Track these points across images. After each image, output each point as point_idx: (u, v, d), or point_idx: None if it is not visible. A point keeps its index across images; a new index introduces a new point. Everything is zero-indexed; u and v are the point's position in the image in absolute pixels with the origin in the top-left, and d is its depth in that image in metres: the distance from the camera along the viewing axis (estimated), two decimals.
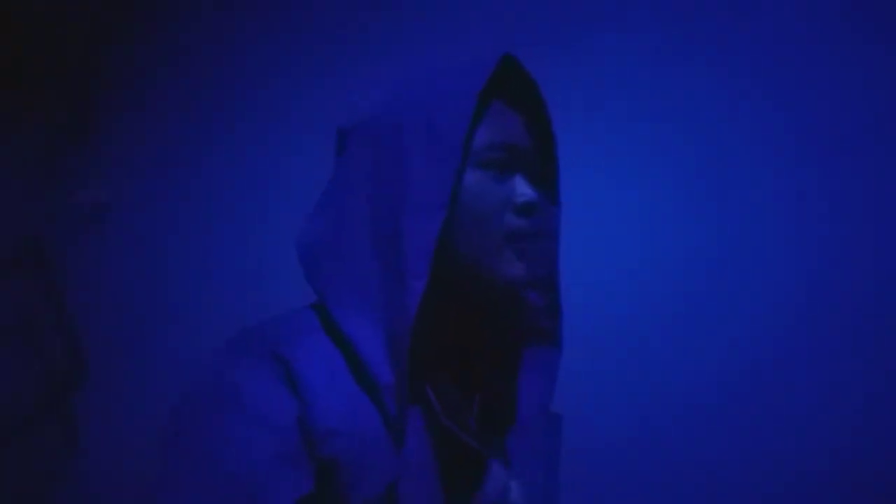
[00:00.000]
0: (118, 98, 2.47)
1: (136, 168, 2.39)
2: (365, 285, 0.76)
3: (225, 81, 2.37)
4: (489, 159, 0.79)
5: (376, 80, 1.77)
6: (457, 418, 0.77)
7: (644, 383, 1.86)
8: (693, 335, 1.81)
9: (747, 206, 1.79)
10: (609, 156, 1.97)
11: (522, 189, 0.79)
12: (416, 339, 0.73)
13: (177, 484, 0.69)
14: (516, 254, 0.78)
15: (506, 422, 0.85)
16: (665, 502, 1.85)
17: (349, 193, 0.80)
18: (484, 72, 0.79)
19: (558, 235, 0.89)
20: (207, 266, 2.27)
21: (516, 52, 0.87)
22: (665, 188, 1.91)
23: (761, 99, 1.79)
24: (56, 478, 2.21)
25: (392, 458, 0.71)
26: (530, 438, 0.86)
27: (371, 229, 0.77)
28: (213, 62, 2.39)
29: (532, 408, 0.88)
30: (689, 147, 1.88)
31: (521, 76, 0.86)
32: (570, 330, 0.94)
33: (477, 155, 0.79)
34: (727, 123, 1.81)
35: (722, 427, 1.83)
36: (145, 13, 2.52)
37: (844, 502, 1.64)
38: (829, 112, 1.71)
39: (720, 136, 1.83)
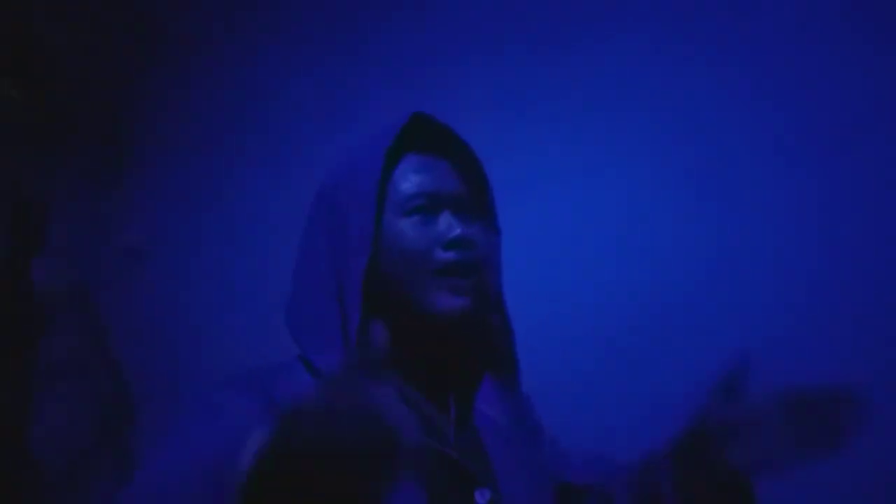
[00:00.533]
0: (150, 143, 2.60)
1: (169, 210, 2.50)
2: (328, 327, 0.88)
3: (257, 124, 2.46)
4: (413, 207, 0.90)
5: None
6: (436, 433, 0.87)
7: (645, 383, 1.82)
8: (694, 334, 1.77)
9: (746, 206, 1.77)
10: (608, 155, 1.98)
11: (448, 227, 0.89)
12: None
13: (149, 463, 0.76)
14: (448, 287, 0.88)
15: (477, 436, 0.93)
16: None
17: (312, 252, 0.94)
18: (391, 132, 0.91)
19: (498, 262, 0.97)
20: (242, 301, 2.35)
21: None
22: (664, 187, 1.90)
23: (759, 98, 1.81)
24: None
25: None
26: (506, 449, 0.93)
27: (328, 279, 0.90)
28: (245, 104, 2.48)
29: (494, 426, 0.95)
30: (688, 146, 1.87)
31: (438, 129, 0.95)
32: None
33: (402, 205, 0.91)
34: (725, 123, 1.84)
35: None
36: (174, 58, 2.63)
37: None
38: (826, 109, 1.70)
39: (719, 134, 1.83)
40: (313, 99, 2.39)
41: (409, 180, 0.92)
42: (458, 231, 0.88)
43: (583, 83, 2.00)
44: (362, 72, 2.30)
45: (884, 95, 1.61)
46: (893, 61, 1.59)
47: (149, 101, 2.60)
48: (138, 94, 2.62)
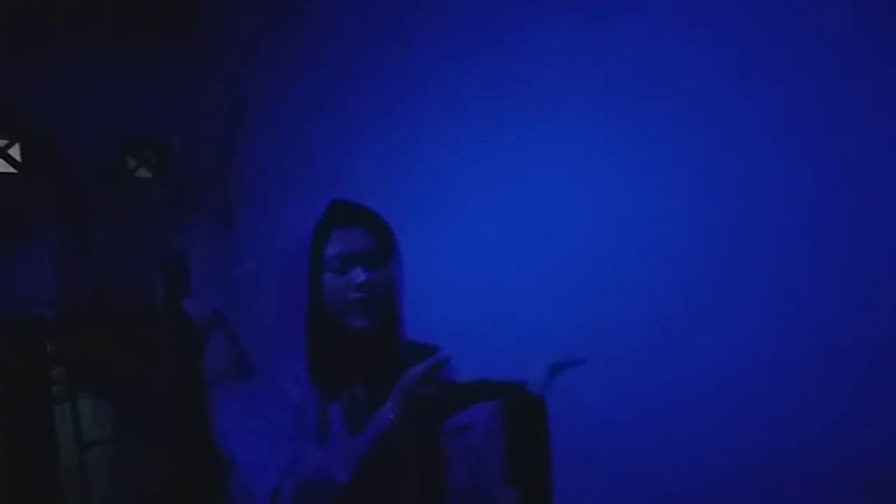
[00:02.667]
0: (248, 196, 3.25)
1: (270, 242, 3.12)
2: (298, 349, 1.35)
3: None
4: (333, 265, 1.35)
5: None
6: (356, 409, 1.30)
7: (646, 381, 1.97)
8: (694, 334, 1.90)
9: (744, 207, 1.85)
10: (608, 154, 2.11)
11: (355, 276, 1.33)
12: (328, 374, 1.30)
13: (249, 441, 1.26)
14: (357, 313, 1.31)
15: None
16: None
17: (283, 299, 1.37)
18: (318, 217, 1.35)
19: (395, 292, 1.38)
20: None
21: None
22: (664, 186, 1.99)
23: (760, 97, 1.83)
24: None
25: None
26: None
27: (293, 316, 1.35)
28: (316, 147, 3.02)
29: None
30: (685, 146, 1.94)
31: (355, 207, 1.39)
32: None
33: (327, 263, 1.35)
34: (727, 119, 1.87)
35: (722, 424, 1.92)
36: (262, 125, 3.27)
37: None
38: (823, 108, 1.73)
39: (716, 134, 1.90)
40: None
41: (330, 247, 1.36)
42: (361, 278, 1.30)
43: (580, 81, 2.15)
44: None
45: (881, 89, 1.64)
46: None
47: (243, 164, 3.27)
48: (235, 160, 3.30)
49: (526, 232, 2.31)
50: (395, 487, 1.18)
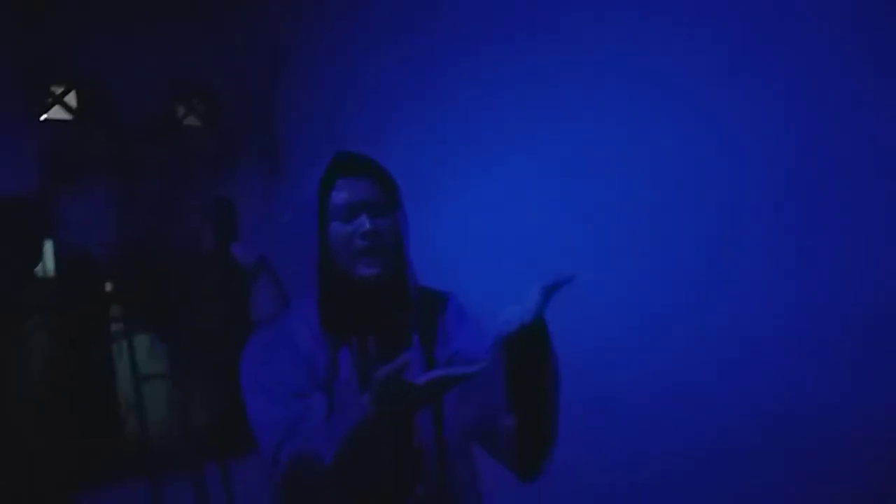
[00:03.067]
0: (294, 145, 3.35)
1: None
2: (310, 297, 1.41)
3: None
4: (340, 213, 1.38)
5: None
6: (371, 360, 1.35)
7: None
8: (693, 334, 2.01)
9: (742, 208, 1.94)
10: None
11: (361, 224, 1.36)
12: (338, 321, 1.36)
13: (256, 396, 1.35)
14: (364, 262, 1.35)
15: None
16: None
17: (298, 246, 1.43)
18: (325, 167, 1.40)
19: (402, 241, 1.41)
20: None
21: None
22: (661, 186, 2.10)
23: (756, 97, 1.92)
24: None
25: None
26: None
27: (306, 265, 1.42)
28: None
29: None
30: (681, 144, 2.05)
31: (360, 158, 1.44)
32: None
33: (334, 212, 1.39)
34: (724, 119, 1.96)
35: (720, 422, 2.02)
36: (307, 71, 3.35)
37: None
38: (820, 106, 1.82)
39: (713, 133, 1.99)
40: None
41: (336, 197, 1.39)
42: (366, 226, 1.33)
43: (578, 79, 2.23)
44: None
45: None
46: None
47: (288, 112, 3.36)
48: (279, 108, 3.40)
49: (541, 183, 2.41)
50: (371, 472, 1.24)
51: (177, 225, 3.34)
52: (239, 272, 3.42)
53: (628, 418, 2.16)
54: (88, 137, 3.21)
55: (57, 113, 3.18)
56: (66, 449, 2.84)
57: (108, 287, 3.22)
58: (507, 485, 1.37)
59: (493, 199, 2.55)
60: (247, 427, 1.36)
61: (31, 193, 3.01)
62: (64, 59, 3.15)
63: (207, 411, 3.24)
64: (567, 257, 2.24)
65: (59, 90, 3.18)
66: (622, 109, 2.15)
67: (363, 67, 3.09)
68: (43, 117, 3.12)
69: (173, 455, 3.14)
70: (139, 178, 3.30)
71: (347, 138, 3.08)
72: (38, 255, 3.05)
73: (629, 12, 2.14)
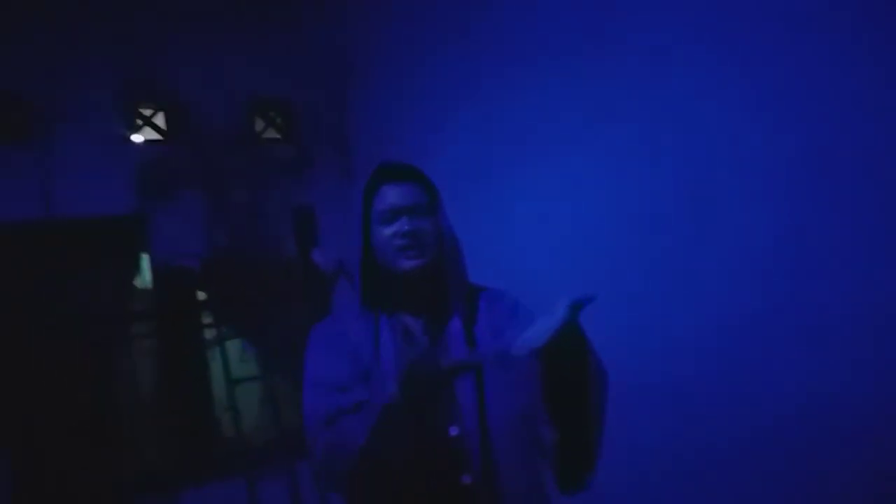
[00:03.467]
0: (367, 158, 3.46)
1: None
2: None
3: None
4: (382, 217, 1.50)
5: None
6: (412, 340, 1.46)
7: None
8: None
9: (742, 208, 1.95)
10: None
11: (401, 226, 1.48)
12: (383, 306, 1.48)
13: (306, 389, 1.48)
14: (406, 256, 1.46)
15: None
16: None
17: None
18: (370, 176, 1.53)
19: (440, 240, 1.50)
20: None
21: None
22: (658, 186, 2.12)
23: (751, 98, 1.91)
24: None
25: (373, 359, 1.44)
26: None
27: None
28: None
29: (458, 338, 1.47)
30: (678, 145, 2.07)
31: (403, 166, 1.55)
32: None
33: (378, 217, 1.51)
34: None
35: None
36: (370, 85, 3.45)
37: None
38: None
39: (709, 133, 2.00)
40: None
41: (380, 202, 1.52)
42: (406, 227, 1.45)
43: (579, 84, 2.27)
44: None
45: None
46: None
47: (359, 121, 3.47)
48: (351, 117, 3.51)
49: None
50: (402, 456, 1.32)
51: (261, 234, 3.50)
52: (320, 276, 3.56)
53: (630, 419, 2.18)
54: (176, 155, 3.40)
55: (147, 133, 3.38)
56: (167, 448, 3.03)
57: (201, 295, 3.41)
58: None
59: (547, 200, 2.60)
60: None
61: (127, 211, 3.22)
62: (150, 80, 3.35)
63: (297, 411, 3.38)
64: (606, 261, 2.28)
65: (148, 112, 3.38)
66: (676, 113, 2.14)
67: (424, 77, 3.17)
68: (135, 138, 3.32)
69: (267, 454, 3.29)
70: (224, 191, 3.47)
71: (411, 144, 3.20)
72: (137, 269, 3.27)
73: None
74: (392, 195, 1.50)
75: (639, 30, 2.16)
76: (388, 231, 1.47)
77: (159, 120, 3.40)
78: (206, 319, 3.40)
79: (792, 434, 1.86)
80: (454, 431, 1.39)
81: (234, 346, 3.41)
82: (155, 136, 3.39)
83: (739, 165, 1.95)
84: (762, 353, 1.93)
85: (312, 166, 3.65)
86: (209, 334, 3.39)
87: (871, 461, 1.72)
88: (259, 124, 3.63)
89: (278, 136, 3.67)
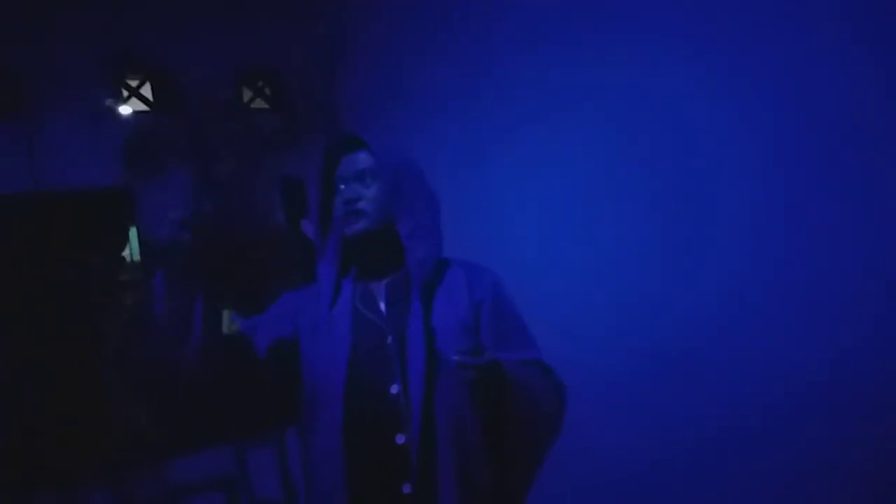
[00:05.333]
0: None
1: None
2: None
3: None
4: (330, 186, 1.62)
5: None
6: (369, 303, 1.57)
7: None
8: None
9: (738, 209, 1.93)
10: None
11: (345, 191, 1.57)
12: (349, 263, 1.61)
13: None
14: (346, 223, 1.55)
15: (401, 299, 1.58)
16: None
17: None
18: (325, 147, 1.63)
19: (386, 206, 1.54)
20: None
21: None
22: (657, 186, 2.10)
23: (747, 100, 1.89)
24: None
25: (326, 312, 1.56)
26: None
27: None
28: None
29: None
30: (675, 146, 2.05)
31: (353, 137, 1.61)
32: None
33: (334, 185, 1.61)
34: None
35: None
36: (362, 59, 3.41)
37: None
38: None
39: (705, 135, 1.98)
40: None
41: (335, 170, 1.60)
42: (346, 195, 1.54)
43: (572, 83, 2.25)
44: None
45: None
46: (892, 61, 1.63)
47: (350, 93, 3.45)
48: (342, 89, 3.49)
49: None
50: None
51: (250, 204, 3.51)
52: (308, 247, 3.58)
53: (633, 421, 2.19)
54: (163, 126, 3.39)
55: (134, 105, 3.37)
56: (155, 416, 3.09)
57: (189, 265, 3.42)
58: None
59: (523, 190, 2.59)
60: None
61: (115, 183, 3.24)
62: (137, 51, 3.32)
63: None
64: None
65: (134, 82, 3.37)
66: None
67: (416, 55, 3.13)
68: (122, 109, 3.32)
69: (255, 422, 3.35)
70: (212, 162, 3.47)
71: (399, 118, 3.18)
72: (125, 241, 3.29)
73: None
74: (343, 164, 1.58)
75: (639, 17, 2.14)
76: (335, 199, 1.58)
77: (146, 90, 3.38)
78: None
79: (794, 429, 1.88)
80: (395, 389, 1.44)
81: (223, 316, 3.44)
82: (142, 107, 3.38)
83: (738, 147, 1.94)
84: (763, 342, 1.94)
85: (301, 137, 3.64)
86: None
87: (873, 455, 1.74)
88: (247, 94, 3.61)
89: (266, 106, 3.66)
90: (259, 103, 3.66)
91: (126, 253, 3.33)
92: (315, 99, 3.65)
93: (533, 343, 1.61)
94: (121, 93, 3.31)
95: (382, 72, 3.32)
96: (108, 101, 3.27)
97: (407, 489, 1.39)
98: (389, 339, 1.49)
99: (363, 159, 1.56)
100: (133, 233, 3.31)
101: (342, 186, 1.56)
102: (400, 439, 1.42)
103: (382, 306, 1.55)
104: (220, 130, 3.50)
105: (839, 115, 1.72)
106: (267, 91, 3.65)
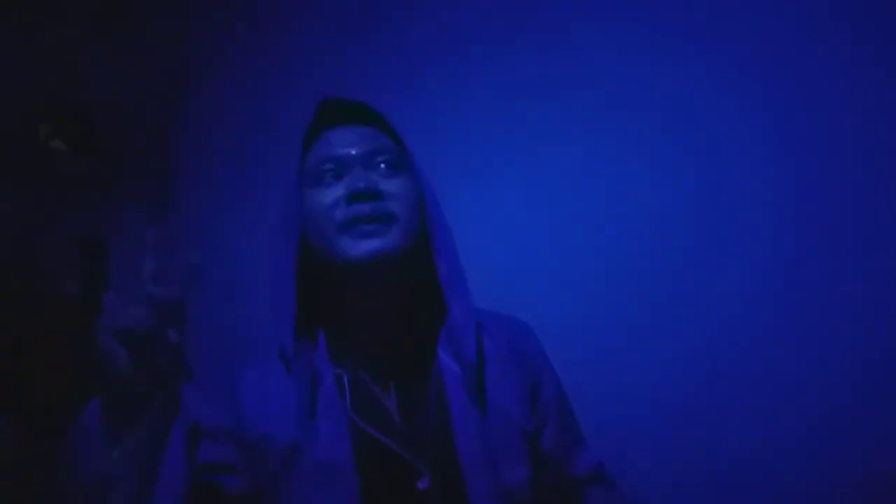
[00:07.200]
0: (190, 172, 2.87)
1: (216, 229, 2.76)
2: (280, 312, 0.96)
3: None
4: (317, 172, 0.96)
5: None
6: (374, 413, 0.91)
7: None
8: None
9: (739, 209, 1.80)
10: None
11: (349, 183, 0.93)
12: (332, 337, 0.93)
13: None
14: (356, 236, 0.91)
15: (425, 408, 0.94)
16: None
17: (279, 256, 0.99)
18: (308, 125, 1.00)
19: (417, 209, 0.96)
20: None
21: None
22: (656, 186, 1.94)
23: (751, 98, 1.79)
24: None
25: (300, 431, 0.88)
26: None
27: (280, 267, 0.98)
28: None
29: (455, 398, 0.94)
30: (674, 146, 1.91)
31: (351, 104, 1.00)
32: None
33: (314, 176, 0.96)
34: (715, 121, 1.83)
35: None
36: (206, 89, 2.89)
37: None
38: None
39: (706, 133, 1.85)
40: None
41: (316, 154, 0.98)
42: (358, 185, 0.92)
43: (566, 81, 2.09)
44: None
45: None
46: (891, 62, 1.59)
47: (186, 140, 2.88)
48: (176, 134, 2.91)
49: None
50: None
51: (38, 263, 2.71)
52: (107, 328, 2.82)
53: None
54: None
55: None
56: None
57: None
58: None
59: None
60: None
61: None
62: None
63: None
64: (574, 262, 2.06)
65: None
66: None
67: (271, 96, 2.72)
68: None
69: None
70: None
71: (258, 175, 2.70)
72: None
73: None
74: (333, 143, 0.97)
75: (644, 19, 1.98)
76: (327, 194, 0.94)
77: None
78: None
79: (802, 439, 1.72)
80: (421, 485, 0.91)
81: None
82: None
83: (748, 157, 1.80)
84: (773, 353, 1.78)
85: (116, 189, 2.94)
86: None
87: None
88: (44, 131, 2.87)
89: (68, 148, 2.93)
90: (59, 144, 2.93)
91: None
92: (140, 146, 3.00)
93: (581, 432, 1.14)
94: None
95: (237, 112, 2.82)
96: None
97: None
98: (426, 482, 0.89)
99: (374, 136, 0.99)
100: None
101: (356, 171, 0.95)
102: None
103: (397, 418, 0.93)
104: (6, 169, 2.72)
105: (858, 118, 1.67)
106: (72, 130, 2.94)
